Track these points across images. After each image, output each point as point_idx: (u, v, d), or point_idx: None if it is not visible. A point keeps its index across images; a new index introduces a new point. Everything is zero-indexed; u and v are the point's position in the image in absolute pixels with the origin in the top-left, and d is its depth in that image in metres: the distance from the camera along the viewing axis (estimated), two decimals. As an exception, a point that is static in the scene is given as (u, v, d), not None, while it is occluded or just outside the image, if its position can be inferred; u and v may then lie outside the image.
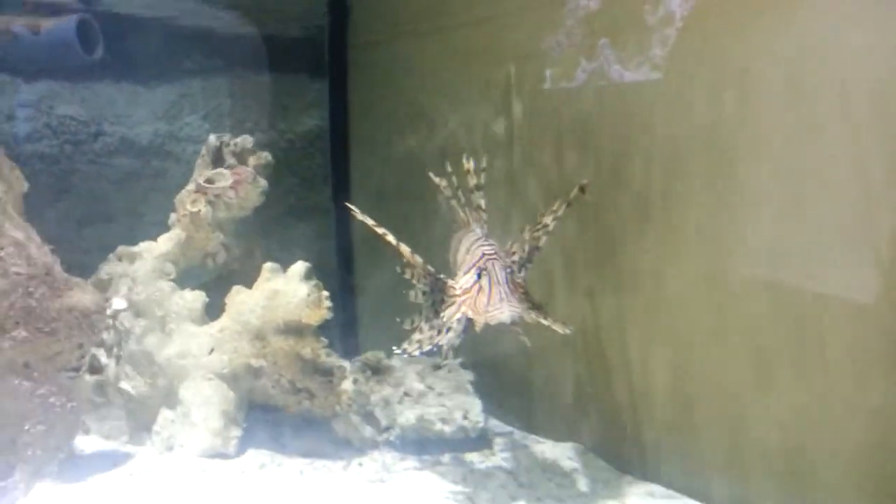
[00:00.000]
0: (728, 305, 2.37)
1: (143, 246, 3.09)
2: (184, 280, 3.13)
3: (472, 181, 2.44)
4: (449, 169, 2.52)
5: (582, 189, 2.29)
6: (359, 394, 3.05)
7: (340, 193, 4.50)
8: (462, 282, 2.26)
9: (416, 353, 2.32)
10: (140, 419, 3.03)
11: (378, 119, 4.24)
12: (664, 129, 2.53)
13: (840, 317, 2.08)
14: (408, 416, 2.98)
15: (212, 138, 3.16)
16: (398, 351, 2.35)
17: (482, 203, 2.44)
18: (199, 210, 3.02)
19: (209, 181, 3.03)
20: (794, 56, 2.19)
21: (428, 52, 3.77)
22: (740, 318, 2.34)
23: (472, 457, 2.86)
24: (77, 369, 2.74)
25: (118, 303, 3.03)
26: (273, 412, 3.04)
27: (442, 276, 2.36)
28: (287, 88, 4.47)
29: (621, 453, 2.74)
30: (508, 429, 3.17)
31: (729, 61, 2.35)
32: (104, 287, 3.10)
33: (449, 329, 2.30)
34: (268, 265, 2.96)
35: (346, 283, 4.39)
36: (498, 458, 2.85)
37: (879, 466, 2.02)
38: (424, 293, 2.36)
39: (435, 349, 2.32)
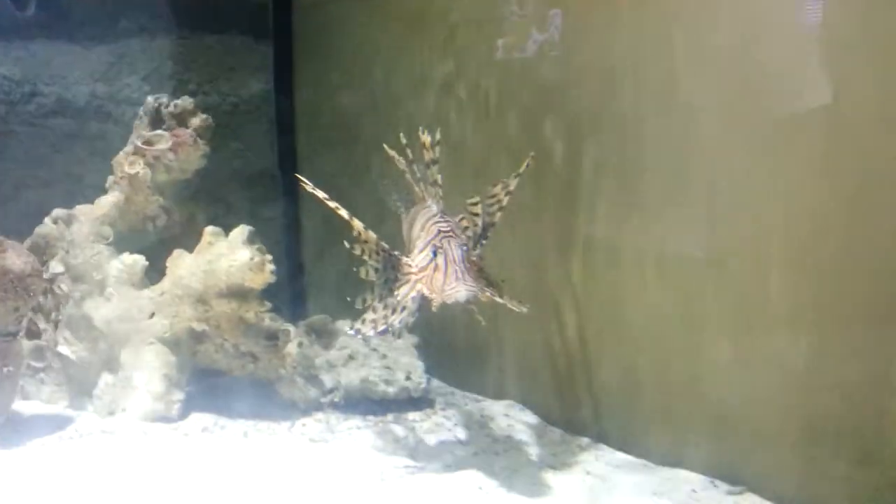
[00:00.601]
0: (667, 274, 2.45)
1: (80, 209, 3.03)
2: (124, 245, 3.09)
3: (428, 155, 2.35)
4: (404, 141, 2.43)
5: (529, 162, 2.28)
6: (303, 356, 3.07)
7: (286, 158, 4.47)
8: (417, 259, 2.21)
9: (371, 332, 2.26)
10: (80, 384, 3.00)
11: (324, 83, 4.20)
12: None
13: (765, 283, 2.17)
14: (351, 377, 3.01)
15: (150, 99, 3.10)
16: (351, 331, 2.29)
17: (439, 178, 2.34)
18: (138, 172, 2.98)
19: (148, 143, 2.98)
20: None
21: (374, 13, 3.74)
22: (678, 286, 2.42)
23: (415, 416, 2.91)
24: (13, 333, 2.70)
25: (55, 266, 2.98)
26: (217, 376, 3.04)
27: (396, 252, 2.30)
28: (231, 50, 4.39)
29: (556, 410, 2.82)
30: (450, 389, 3.23)
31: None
32: (40, 250, 3.04)
33: (404, 308, 2.25)
34: (209, 228, 2.94)
35: (293, 249, 4.38)
36: (439, 416, 2.91)
37: (802, 414, 2.13)
38: (377, 270, 2.28)
39: (389, 329, 2.26)
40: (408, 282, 2.23)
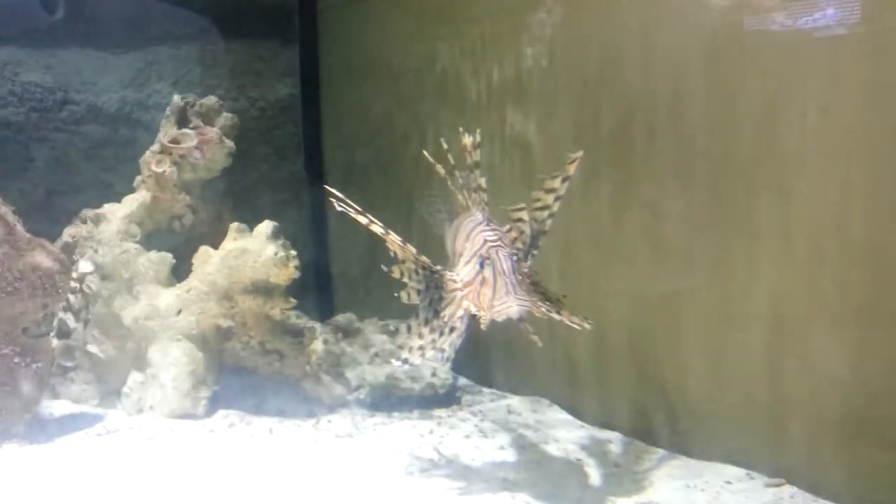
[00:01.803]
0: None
1: (108, 208, 3.07)
2: (152, 244, 3.11)
3: (470, 159, 2.10)
4: (445, 146, 2.19)
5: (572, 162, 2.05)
6: (329, 354, 3.05)
7: (314, 162, 4.49)
8: (463, 273, 1.98)
9: (419, 361, 2.03)
10: (109, 382, 3.02)
11: (351, 85, 4.21)
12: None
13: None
14: (377, 374, 2.99)
15: (176, 98, 3.14)
16: (397, 363, 2.04)
17: (483, 183, 2.08)
18: (164, 171, 3.00)
19: (174, 141, 3.01)
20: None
21: (399, 12, 3.74)
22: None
23: (441, 412, 2.88)
24: (42, 329, 2.73)
25: (84, 265, 3.01)
26: (244, 375, 3.03)
27: (439, 267, 2.06)
28: (258, 55, 4.43)
29: (585, 406, 2.77)
30: (478, 387, 3.19)
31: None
32: (70, 250, 3.07)
33: (452, 329, 2.01)
34: (235, 225, 2.95)
35: (321, 251, 4.39)
36: (465, 412, 2.88)
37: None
38: (419, 292, 2.04)
39: (439, 355, 2.03)
40: (454, 299, 2.01)
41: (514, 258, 1.91)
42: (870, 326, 2.00)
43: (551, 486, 2.20)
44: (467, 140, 2.09)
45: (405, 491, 2.18)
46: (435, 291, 2.03)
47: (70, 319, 3.08)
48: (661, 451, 2.46)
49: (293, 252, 2.90)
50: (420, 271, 2.03)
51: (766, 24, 2.17)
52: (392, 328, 3.14)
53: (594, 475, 2.30)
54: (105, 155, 4.04)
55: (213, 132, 3.04)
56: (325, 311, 4.01)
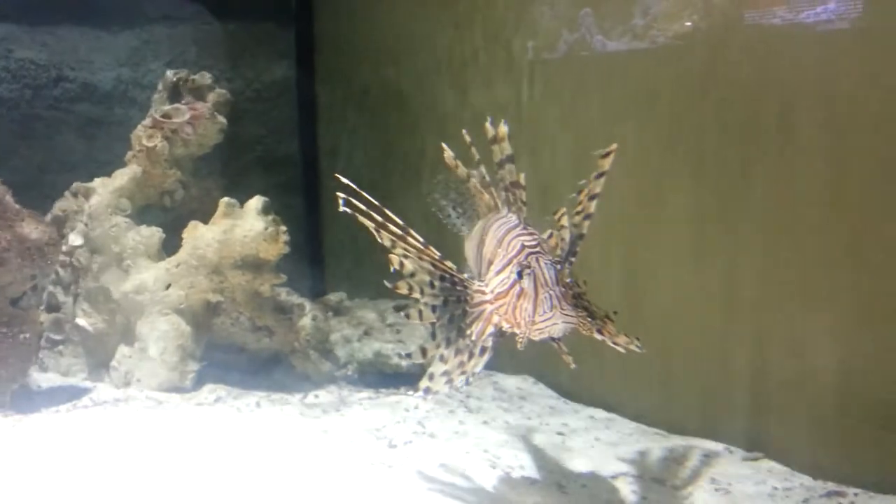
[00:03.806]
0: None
1: (98, 181, 3.06)
2: (142, 219, 3.11)
3: (500, 152, 1.80)
4: (468, 139, 1.91)
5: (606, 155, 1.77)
6: (318, 330, 3.05)
7: (308, 143, 4.49)
8: (494, 283, 1.68)
9: (446, 389, 1.72)
10: (98, 356, 3.02)
11: (347, 67, 4.20)
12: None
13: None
14: (365, 351, 2.99)
15: (168, 73, 3.13)
16: (419, 395, 1.73)
17: (521, 179, 1.79)
18: (156, 145, 3.00)
19: (166, 116, 3.00)
20: None
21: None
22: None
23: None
24: (30, 301, 2.73)
25: (74, 238, 3.01)
26: (233, 350, 3.04)
27: (466, 276, 1.76)
28: (254, 36, 4.42)
29: (568, 382, 2.77)
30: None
31: None
32: (60, 223, 3.08)
33: (483, 350, 1.72)
34: (225, 199, 2.94)
35: (314, 232, 4.39)
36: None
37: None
38: (434, 308, 1.72)
39: (469, 380, 1.73)
40: (481, 314, 1.71)
41: (558, 267, 1.63)
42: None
43: (532, 458, 2.21)
44: (501, 129, 1.80)
45: (388, 463, 2.18)
46: (457, 306, 1.72)
47: (59, 293, 3.08)
48: (645, 427, 2.47)
49: (283, 227, 2.90)
50: (438, 283, 1.71)
51: None
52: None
53: (576, 448, 2.31)
54: (99, 133, 4.04)
55: (204, 107, 3.04)
56: (317, 292, 4.02)
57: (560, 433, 2.43)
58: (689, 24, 2.39)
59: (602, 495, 1.97)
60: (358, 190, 1.66)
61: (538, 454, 2.24)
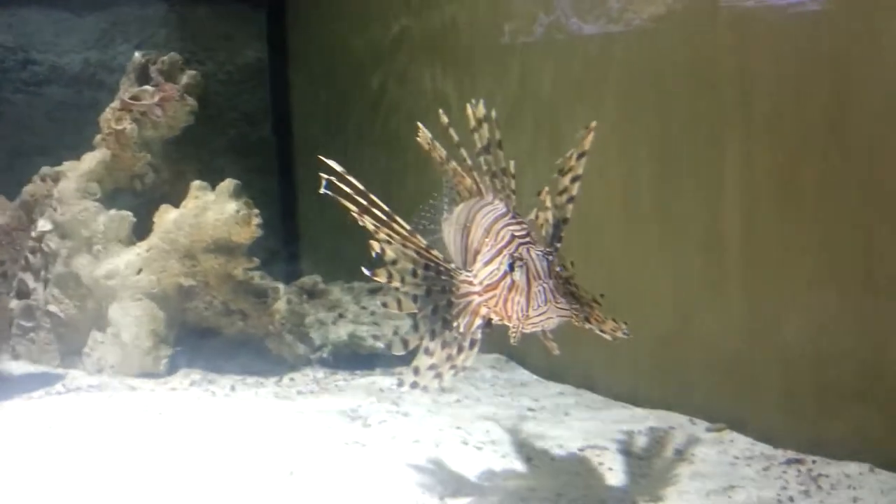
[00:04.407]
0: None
1: (67, 165, 3.03)
2: (112, 203, 3.07)
3: (487, 136, 1.75)
4: (445, 120, 1.83)
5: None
6: (293, 313, 3.04)
7: (281, 127, 4.46)
8: (483, 274, 1.63)
9: (436, 385, 1.68)
10: (70, 342, 3.00)
11: (320, 50, 4.17)
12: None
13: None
14: (340, 333, 2.99)
15: (137, 55, 3.09)
16: (404, 388, 1.68)
17: (511, 166, 1.73)
18: (125, 128, 2.96)
19: (134, 98, 2.96)
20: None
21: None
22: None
23: (402, 370, 2.86)
24: (0, 287, 2.70)
25: (43, 223, 2.97)
26: (207, 335, 3.02)
27: (453, 265, 1.69)
28: (226, 18, 4.38)
29: (539, 360, 2.79)
30: (443, 347, 3.20)
31: None
32: (29, 208, 3.04)
33: (473, 343, 1.67)
34: (196, 183, 2.92)
35: (288, 216, 4.37)
36: (427, 369, 2.88)
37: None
38: (416, 298, 1.64)
39: (460, 372, 1.68)
40: (468, 306, 1.65)
41: (550, 258, 1.58)
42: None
43: (503, 434, 2.23)
44: (476, 112, 1.74)
45: (362, 442, 2.19)
46: (441, 296, 1.65)
47: (29, 279, 3.05)
48: (613, 401, 2.51)
49: (255, 211, 2.88)
50: (421, 271, 1.64)
51: None
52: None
53: (546, 423, 2.33)
54: (68, 117, 3.99)
55: (174, 89, 3.00)
56: (292, 276, 4.01)
57: (531, 409, 2.46)
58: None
59: (570, 468, 2.00)
60: (344, 173, 1.58)
61: (509, 430, 2.26)
